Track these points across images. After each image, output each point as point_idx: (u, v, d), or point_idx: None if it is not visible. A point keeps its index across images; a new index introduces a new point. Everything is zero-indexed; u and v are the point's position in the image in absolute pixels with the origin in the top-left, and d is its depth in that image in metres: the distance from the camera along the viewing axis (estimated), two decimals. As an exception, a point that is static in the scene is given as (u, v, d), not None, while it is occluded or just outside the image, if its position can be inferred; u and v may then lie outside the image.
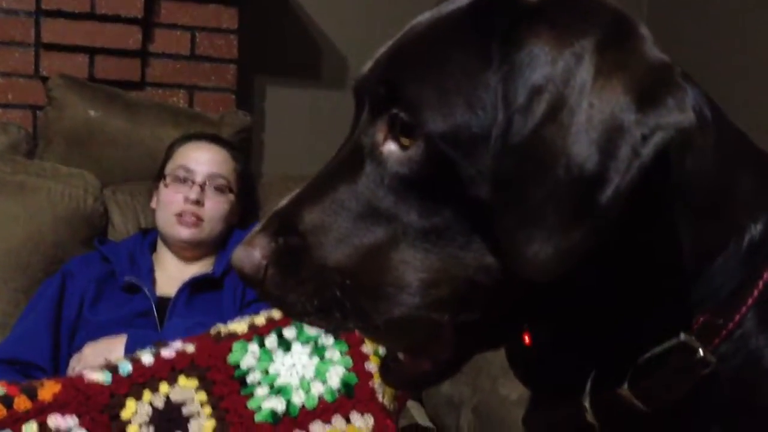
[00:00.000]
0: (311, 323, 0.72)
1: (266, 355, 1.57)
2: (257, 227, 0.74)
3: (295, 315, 0.72)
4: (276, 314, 1.65)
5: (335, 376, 1.53)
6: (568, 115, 0.63)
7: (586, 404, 0.73)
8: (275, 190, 2.39)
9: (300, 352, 1.57)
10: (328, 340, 1.59)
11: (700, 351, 0.70)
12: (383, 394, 1.55)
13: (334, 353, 1.56)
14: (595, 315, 0.72)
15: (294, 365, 1.55)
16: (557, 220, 0.63)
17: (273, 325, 1.61)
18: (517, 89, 0.64)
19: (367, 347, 1.59)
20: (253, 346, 1.57)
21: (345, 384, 1.53)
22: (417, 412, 2.07)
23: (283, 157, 2.81)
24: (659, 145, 0.63)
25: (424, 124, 0.68)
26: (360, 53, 2.84)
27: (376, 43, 2.70)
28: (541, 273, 0.64)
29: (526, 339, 0.77)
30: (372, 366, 1.57)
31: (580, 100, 0.63)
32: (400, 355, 0.78)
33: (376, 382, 1.55)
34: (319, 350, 1.57)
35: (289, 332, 1.60)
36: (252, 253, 0.71)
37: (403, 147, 0.70)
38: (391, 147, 0.71)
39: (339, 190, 0.72)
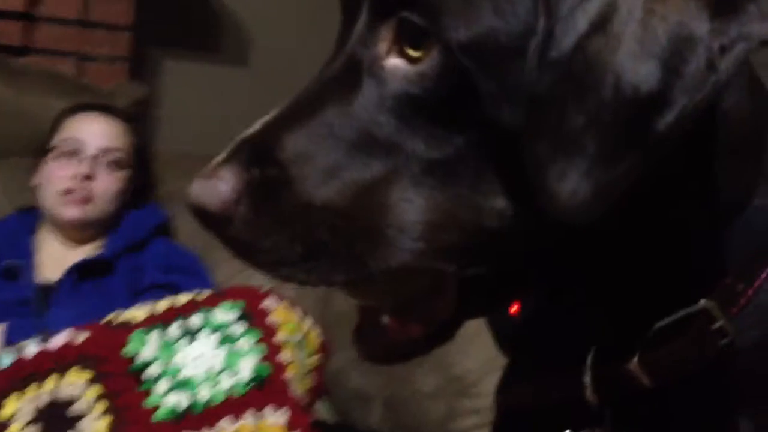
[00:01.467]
0: (290, 275, 0.59)
1: (168, 345, 1.42)
2: (221, 156, 0.60)
3: (270, 265, 0.59)
4: (180, 300, 1.50)
5: (246, 367, 1.41)
6: (620, 25, 0.54)
7: (587, 380, 0.64)
8: (172, 169, 2.23)
9: (207, 342, 1.43)
10: (238, 328, 1.45)
11: (720, 320, 0.62)
12: (298, 387, 1.43)
13: (245, 342, 1.43)
14: (608, 274, 0.63)
15: (200, 356, 1.41)
16: (600, 149, 0.54)
17: (176, 312, 1.47)
18: None
19: (281, 336, 1.47)
20: (154, 336, 1.43)
21: (257, 376, 1.40)
22: (322, 407, 1.97)
23: (178, 135, 2.64)
24: (740, 60, 0.54)
25: (443, 31, 0.56)
26: (264, 29, 2.71)
27: (282, 19, 2.58)
28: (577, 213, 0.55)
29: (514, 308, 0.66)
30: (286, 357, 1.45)
31: (635, 7, 0.54)
32: (384, 320, 0.65)
33: (291, 373, 1.43)
34: (228, 339, 1.44)
35: (194, 320, 1.46)
36: (217, 185, 0.58)
37: (411, 60, 0.58)
38: (396, 61, 0.59)
39: (328, 112, 0.59)
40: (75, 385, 1.35)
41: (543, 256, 0.61)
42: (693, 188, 0.62)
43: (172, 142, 2.61)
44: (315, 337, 1.56)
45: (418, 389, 1.71)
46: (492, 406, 0.79)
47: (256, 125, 0.61)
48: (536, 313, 0.67)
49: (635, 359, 0.63)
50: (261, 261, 0.59)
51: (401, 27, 0.59)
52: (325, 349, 1.58)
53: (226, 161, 0.60)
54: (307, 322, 1.57)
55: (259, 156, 0.59)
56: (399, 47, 0.59)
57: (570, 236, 0.59)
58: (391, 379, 1.79)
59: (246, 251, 0.59)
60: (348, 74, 0.61)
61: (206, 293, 1.55)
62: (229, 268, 2.14)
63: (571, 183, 0.54)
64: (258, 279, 2.09)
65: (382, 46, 0.60)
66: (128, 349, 1.40)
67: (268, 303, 1.52)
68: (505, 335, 0.72)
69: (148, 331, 1.43)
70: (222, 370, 1.40)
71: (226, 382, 1.39)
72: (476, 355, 1.64)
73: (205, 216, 0.59)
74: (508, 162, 0.57)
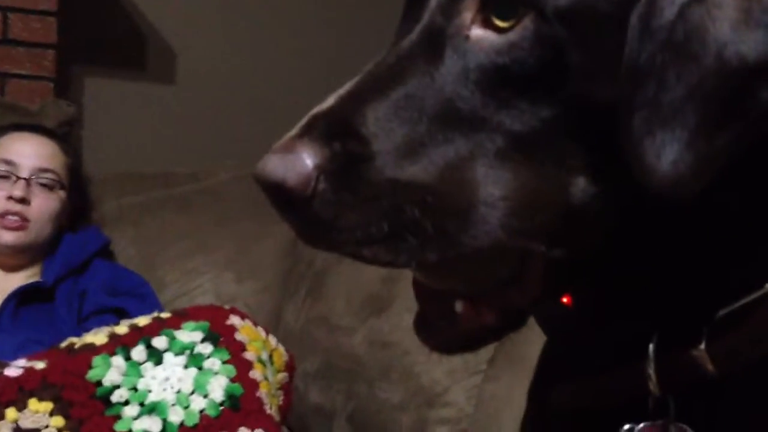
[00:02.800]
0: (375, 255, 0.56)
1: (134, 368, 1.37)
2: (294, 131, 0.57)
3: (352, 244, 0.56)
4: (141, 321, 1.45)
5: (218, 387, 1.36)
6: None
7: (651, 371, 0.62)
8: (110, 189, 2.16)
9: (174, 363, 1.38)
10: (205, 348, 1.41)
11: None
12: (270, 405, 1.39)
13: (214, 362, 1.39)
14: (679, 256, 0.61)
15: (168, 379, 1.36)
16: (701, 120, 0.53)
17: (139, 335, 1.42)
18: None
19: (250, 353, 1.43)
20: (117, 360, 1.37)
21: (229, 396, 1.36)
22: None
23: (104, 154, 2.56)
24: None
25: None
26: (189, 46, 2.65)
27: (207, 35, 2.53)
28: (677, 187, 0.53)
29: (565, 299, 0.65)
30: (257, 374, 1.41)
31: None
32: (458, 306, 0.62)
33: (263, 392, 1.39)
34: (195, 360, 1.40)
35: (159, 341, 1.41)
36: (298, 159, 0.55)
37: (498, 30, 0.56)
38: (481, 31, 0.57)
39: (409, 84, 0.57)
40: (38, 414, 1.28)
41: (622, 237, 0.59)
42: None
43: (97, 163, 2.52)
44: (281, 354, 1.53)
45: (384, 402, 1.68)
46: (528, 412, 0.77)
47: (329, 99, 0.58)
48: (592, 301, 0.64)
49: (701, 346, 0.61)
50: (343, 240, 0.56)
51: None
52: (291, 366, 1.55)
53: (302, 135, 0.56)
54: (272, 339, 1.53)
55: (338, 130, 0.56)
56: (484, 17, 0.57)
57: (654, 215, 0.58)
58: (353, 393, 1.76)
59: (326, 231, 0.56)
60: (428, 45, 0.58)
61: (167, 314, 1.50)
62: (174, 290, 2.08)
63: (671, 155, 0.53)
64: (205, 299, 2.06)
65: (466, 15, 0.58)
66: (93, 373, 1.34)
67: (233, 320, 1.48)
68: (554, 327, 0.70)
69: (111, 355, 1.37)
70: (192, 392, 1.36)
71: (197, 404, 1.35)
72: (443, 364, 1.62)
73: (281, 193, 0.55)
74: (595, 137, 0.56)
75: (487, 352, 1.59)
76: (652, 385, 0.62)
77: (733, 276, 0.61)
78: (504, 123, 0.56)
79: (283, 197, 0.55)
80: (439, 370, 1.64)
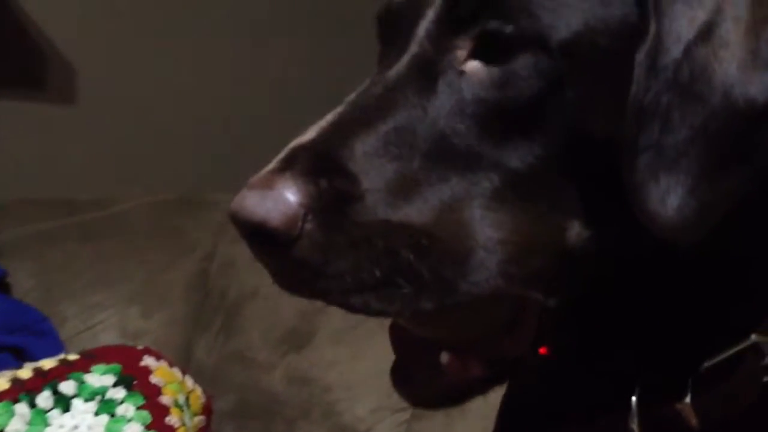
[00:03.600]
0: (365, 304, 0.51)
1: (39, 416, 1.27)
2: (273, 165, 0.52)
3: (341, 291, 0.51)
4: (47, 365, 1.35)
5: (132, 436, 1.27)
6: (727, 33, 0.51)
7: (634, 426, 0.59)
8: (7, 217, 2.03)
9: (83, 411, 1.29)
10: (117, 393, 1.32)
11: None
12: (188, 453, 1.31)
13: (127, 408, 1.31)
14: (674, 304, 0.59)
15: (77, 427, 1.27)
16: (706, 164, 0.51)
17: (44, 379, 1.32)
18: None
19: (166, 397, 1.34)
20: (21, 407, 1.28)
21: (145, 445, 1.27)
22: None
23: (1, 180, 2.41)
24: None
25: (542, 31, 0.52)
26: (91, 63, 2.54)
27: (110, 51, 2.41)
28: (682, 232, 0.51)
29: (543, 350, 0.61)
30: (174, 420, 1.33)
31: (741, 14, 0.52)
32: (444, 358, 0.58)
33: (181, 439, 1.31)
34: (107, 406, 1.31)
35: (66, 386, 1.31)
36: (282, 196, 0.50)
37: (497, 63, 0.53)
38: (477, 64, 0.54)
39: (399, 117, 0.53)
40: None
41: (612, 285, 0.57)
42: (764, 213, 0.59)
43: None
44: (198, 397, 1.45)
45: (304, 442, 1.63)
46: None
47: (310, 131, 0.54)
48: (574, 353, 0.61)
49: (686, 399, 0.59)
50: (330, 288, 0.51)
51: (484, 36, 0.54)
52: (209, 408, 1.47)
53: (282, 170, 0.52)
54: (189, 381, 1.45)
55: (324, 165, 0.52)
56: (481, 51, 0.54)
57: (647, 261, 0.56)
58: (271, 429, 1.69)
59: (313, 276, 0.51)
60: (418, 77, 0.55)
61: (75, 356, 1.40)
62: (75, 325, 1.97)
63: (675, 201, 0.51)
64: (109, 334, 1.96)
65: (461, 51, 0.55)
66: (-7, 424, 1.23)
67: (147, 361, 1.39)
68: (530, 379, 0.66)
69: (15, 402, 1.27)
70: (104, 441, 1.26)
71: (110, 455, 1.25)
72: (366, 402, 1.58)
73: (262, 234, 0.51)
74: (590, 177, 0.54)
75: (412, 388, 1.55)
76: None
77: (719, 326, 0.60)
78: (500, 160, 0.53)
79: (263, 239, 0.51)
80: (362, 407, 1.59)
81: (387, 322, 1.73)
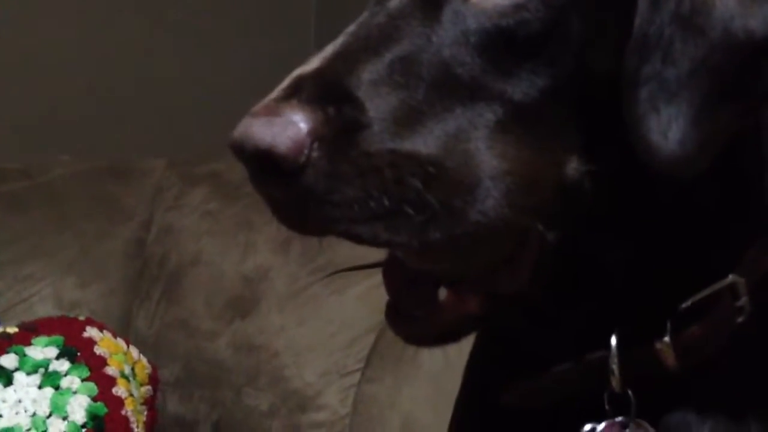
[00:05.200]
0: (373, 233, 0.51)
1: (-20, 392, 1.22)
2: (276, 93, 0.51)
3: (348, 220, 0.51)
4: (-15, 339, 1.30)
5: (78, 408, 1.25)
6: None
7: (614, 365, 0.60)
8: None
9: (26, 384, 1.26)
10: (61, 365, 1.29)
11: (743, 298, 0.60)
12: (137, 422, 1.29)
13: (72, 381, 1.28)
14: (657, 242, 0.60)
15: (20, 401, 1.24)
16: (706, 96, 0.52)
17: (-16, 354, 1.27)
18: None
19: (113, 368, 1.32)
20: (-39, 383, 1.22)
21: (92, 416, 1.25)
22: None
23: None
24: None
25: None
26: (10, 24, 2.45)
27: (28, 11, 2.30)
28: (684, 165, 0.52)
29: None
30: (121, 390, 1.31)
31: None
32: (441, 294, 0.58)
33: (129, 409, 1.29)
34: (51, 378, 1.28)
35: (7, 360, 1.28)
36: (290, 123, 0.49)
37: None
38: None
39: (404, 46, 0.53)
40: None
41: (602, 221, 0.58)
42: (747, 151, 0.60)
43: None
44: (144, 367, 1.43)
45: (252, 409, 1.61)
46: (461, 420, 0.73)
47: (313, 60, 0.52)
48: (555, 292, 0.61)
49: (665, 339, 0.60)
50: (337, 217, 0.51)
51: None
52: (155, 378, 1.45)
53: (288, 97, 0.50)
54: (134, 351, 1.43)
55: (331, 92, 0.51)
56: None
57: (638, 198, 0.57)
58: (217, 401, 1.67)
59: (319, 205, 0.50)
60: (422, 5, 0.54)
61: (14, 328, 1.36)
62: (9, 297, 1.91)
63: (677, 133, 0.52)
64: (45, 306, 1.91)
65: None
66: (-68, 401, 1.19)
67: (90, 332, 1.36)
68: (510, 320, 0.66)
69: (-46, 379, 1.22)
70: (50, 415, 1.24)
71: (56, 428, 1.23)
72: (314, 367, 1.57)
73: (268, 161, 0.49)
74: (590, 112, 0.54)
75: (358, 351, 1.55)
76: (615, 381, 0.60)
77: (698, 267, 0.61)
78: (504, 92, 0.53)
79: (269, 166, 0.49)
80: (310, 372, 1.58)
81: (332, 286, 1.72)
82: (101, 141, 2.40)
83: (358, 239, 0.52)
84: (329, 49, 0.54)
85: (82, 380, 1.28)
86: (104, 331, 1.39)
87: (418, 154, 0.51)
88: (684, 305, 0.60)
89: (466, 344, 1.38)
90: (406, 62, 0.53)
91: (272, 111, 0.50)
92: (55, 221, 2.01)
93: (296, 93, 0.51)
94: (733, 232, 0.61)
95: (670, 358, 0.60)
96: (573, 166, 0.55)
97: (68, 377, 1.28)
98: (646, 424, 0.61)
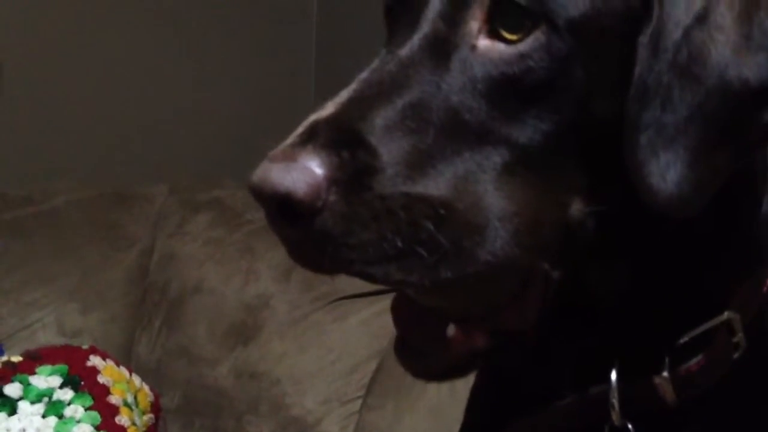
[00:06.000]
0: (386, 274, 0.53)
1: (-16, 421, 1.23)
2: (293, 138, 0.53)
3: (362, 262, 0.52)
4: (-11, 368, 1.31)
5: (82, 437, 1.25)
6: (721, 17, 0.55)
7: (614, 399, 0.61)
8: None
9: (30, 413, 1.27)
10: (65, 394, 1.29)
11: (739, 333, 0.62)
12: (140, 452, 1.30)
13: (76, 409, 1.28)
14: (654, 279, 0.61)
15: (24, 430, 1.24)
16: (703, 140, 0.54)
17: (-12, 383, 1.28)
18: None
19: (115, 397, 1.33)
20: (-35, 412, 1.23)
21: (95, 446, 1.25)
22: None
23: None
24: None
25: (552, 9, 0.54)
26: (17, 53, 2.47)
27: (36, 41, 2.32)
28: (682, 206, 0.54)
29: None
30: (124, 419, 1.31)
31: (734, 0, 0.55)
32: (450, 330, 0.59)
33: (132, 438, 1.29)
34: (55, 407, 1.28)
35: (11, 389, 1.29)
36: (306, 168, 0.51)
37: (508, 41, 0.55)
38: (488, 42, 0.56)
39: (415, 93, 0.55)
40: None
41: (604, 259, 0.59)
42: (745, 187, 0.62)
43: None
44: (146, 395, 1.43)
45: (253, 436, 1.62)
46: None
47: (328, 106, 0.55)
48: (557, 328, 0.62)
49: (664, 374, 0.61)
50: (352, 258, 0.52)
51: (496, 6, 0.55)
52: (157, 406, 1.45)
53: (304, 143, 0.52)
54: (137, 379, 1.43)
55: (345, 138, 0.53)
56: (490, 27, 0.56)
57: (639, 236, 0.58)
58: (219, 428, 1.68)
59: (335, 248, 0.52)
60: (432, 54, 0.56)
61: (18, 357, 1.37)
62: (11, 324, 1.92)
63: (674, 176, 0.54)
64: (47, 333, 1.91)
65: (473, 25, 0.56)
66: (-64, 431, 1.20)
67: (94, 361, 1.37)
68: (511, 356, 0.67)
69: (-42, 408, 1.23)
70: (53, 444, 1.24)
71: (60, 457, 1.23)
72: (315, 394, 1.58)
73: (287, 206, 0.51)
74: (592, 155, 0.56)
75: (359, 378, 1.56)
76: (615, 414, 0.62)
77: (695, 302, 0.62)
78: (510, 136, 0.55)
79: (287, 211, 0.51)
80: (311, 399, 1.59)
81: (333, 313, 1.73)
82: (103, 167, 2.42)
83: (372, 279, 0.54)
84: (343, 95, 0.55)
85: (86, 409, 1.29)
86: (107, 360, 1.40)
87: (429, 196, 0.53)
88: (682, 340, 0.61)
89: (470, 376, 1.39)
90: (417, 108, 0.55)
91: (289, 156, 0.52)
92: (58, 248, 2.02)
93: (312, 138, 0.53)
94: (728, 267, 0.63)
95: (668, 393, 0.61)
96: (576, 207, 0.57)
97: (72, 406, 1.28)
98: None
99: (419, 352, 0.61)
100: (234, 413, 1.67)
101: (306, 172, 0.51)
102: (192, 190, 2.05)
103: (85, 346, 1.43)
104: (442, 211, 0.53)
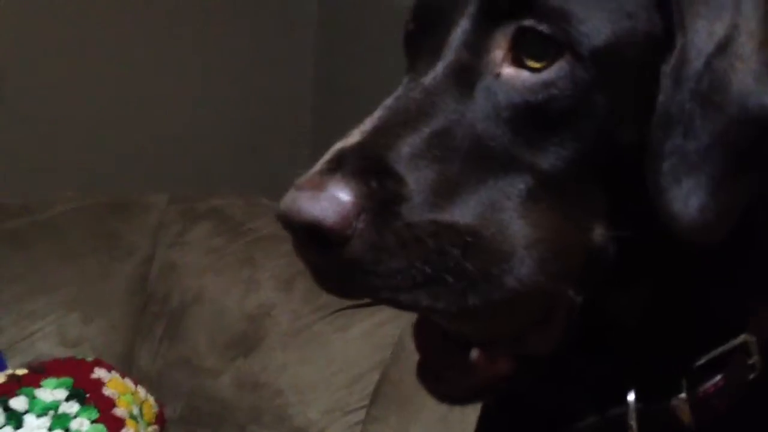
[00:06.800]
0: (414, 301, 0.53)
1: (-9, 435, 1.23)
2: (319, 166, 0.54)
3: (390, 289, 0.53)
4: (-5, 381, 1.31)
5: (88, 450, 1.25)
6: (743, 47, 0.55)
7: (632, 422, 0.62)
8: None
9: (36, 426, 1.27)
10: (71, 407, 1.30)
11: (755, 356, 0.62)
12: (146, 464, 1.30)
13: (82, 423, 1.28)
14: (673, 301, 0.62)
15: (31, 444, 1.24)
16: (724, 167, 0.55)
17: (-7, 396, 1.28)
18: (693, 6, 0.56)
19: (121, 409, 1.33)
20: (-29, 426, 1.23)
21: (102, 459, 1.25)
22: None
23: None
24: None
25: (576, 37, 0.55)
26: (17, 62, 2.47)
27: (37, 51, 2.31)
28: (704, 232, 0.55)
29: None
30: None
31: (755, 30, 0.55)
32: (473, 354, 0.60)
33: (138, 451, 1.30)
34: (61, 420, 1.28)
35: (17, 402, 1.29)
36: (335, 197, 0.52)
37: (532, 70, 0.56)
38: (513, 70, 0.57)
39: (440, 121, 0.55)
40: None
41: (625, 283, 0.60)
42: (764, 208, 0.63)
43: None
44: (151, 406, 1.44)
45: (256, 447, 1.62)
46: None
47: (354, 134, 0.55)
48: (569, 353, 0.62)
49: (681, 396, 0.62)
50: (381, 286, 0.53)
51: (521, 35, 0.56)
52: (162, 418, 1.46)
53: (332, 171, 0.53)
54: (142, 391, 1.44)
55: (372, 166, 0.54)
56: (514, 55, 0.57)
57: (660, 259, 0.59)
58: (221, 439, 1.68)
59: (364, 276, 0.53)
60: (456, 82, 0.57)
61: (23, 370, 1.37)
62: (12, 334, 1.91)
63: (696, 202, 0.54)
64: (48, 342, 1.91)
65: (497, 54, 0.57)
66: (-57, 445, 1.20)
67: (99, 373, 1.37)
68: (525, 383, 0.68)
69: (-36, 422, 1.23)
70: (60, 457, 1.24)
71: (66, 471, 1.23)
72: (317, 404, 1.58)
73: (316, 234, 0.51)
74: (614, 181, 0.57)
75: (362, 389, 1.57)
76: None
77: (714, 323, 0.63)
78: (533, 163, 0.56)
79: (316, 239, 0.52)
80: (314, 410, 1.60)
81: (336, 324, 1.73)
82: (102, 177, 2.41)
83: (399, 305, 0.54)
84: (368, 123, 0.56)
85: (92, 422, 1.29)
86: (112, 372, 1.40)
87: (456, 224, 0.54)
88: (699, 363, 0.62)
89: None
90: (442, 137, 0.55)
91: (318, 185, 0.52)
92: (57, 257, 2.02)
93: (339, 167, 0.53)
94: (745, 286, 0.64)
95: (686, 415, 0.62)
96: (599, 232, 0.58)
97: (78, 419, 1.29)
98: None
99: (442, 376, 0.62)
100: (237, 424, 1.67)
101: (335, 201, 0.52)
102: (191, 200, 2.05)
103: (89, 359, 1.43)
104: (470, 239, 0.54)
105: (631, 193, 0.57)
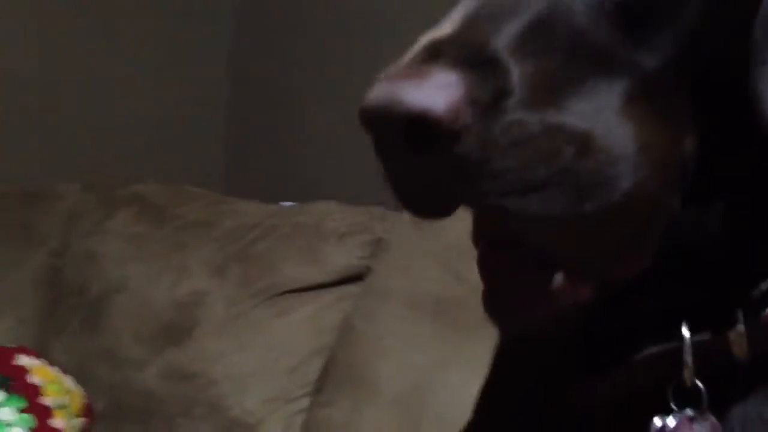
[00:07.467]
0: (524, 207, 0.48)
1: None
2: (412, 55, 0.47)
3: (500, 194, 0.47)
4: None
5: (16, 441, 1.14)
6: None
7: (688, 357, 0.58)
8: None
9: (-43, 418, 1.14)
10: (-4, 395, 1.18)
11: None
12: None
13: (9, 412, 1.17)
14: (744, 225, 0.59)
15: (-49, 436, 1.12)
16: None
17: None
18: None
19: (49, 398, 1.22)
20: None
21: (31, 450, 1.15)
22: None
23: None
24: None
25: None
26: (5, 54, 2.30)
27: (24, 44, 2.16)
28: None
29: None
30: (59, 422, 1.21)
31: None
32: (557, 279, 0.54)
33: (69, 442, 1.20)
34: (-15, 411, 1.16)
35: (-63, 392, 1.16)
36: (445, 85, 0.45)
37: None
38: None
39: (538, 11, 0.50)
40: None
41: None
42: None
43: None
44: (79, 396, 1.33)
45: (188, 439, 1.53)
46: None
47: (446, 26, 0.49)
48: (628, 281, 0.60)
49: (738, 328, 0.58)
50: (488, 189, 0.47)
51: None
52: (90, 410, 1.35)
53: (432, 59, 0.47)
54: (69, 380, 1.33)
55: (475, 56, 0.48)
56: None
57: (747, 174, 0.57)
58: (149, 429, 1.58)
59: (473, 176, 0.47)
60: None
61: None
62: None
63: None
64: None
65: None
66: None
67: (22, 360, 1.26)
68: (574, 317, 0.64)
69: None
70: (-16, 450, 1.13)
71: (-8, 463, 1.12)
72: (255, 394, 1.50)
73: (420, 127, 0.45)
74: (706, 86, 0.54)
75: (304, 375, 1.50)
76: (687, 373, 0.58)
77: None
78: (631, 62, 0.52)
79: (420, 132, 0.45)
80: (251, 399, 1.52)
81: (275, 309, 1.66)
82: (11, 167, 2.27)
83: (505, 213, 0.49)
84: (458, 15, 0.50)
85: (20, 411, 1.18)
86: (38, 359, 1.29)
87: (566, 123, 0.50)
88: (755, 293, 0.59)
89: (431, 365, 1.34)
90: (541, 28, 0.51)
91: (419, 73, 0.47)
92: (-41, 248, 1.88)
93: (438, 55, 0.48)
94: None
95: (741, 349, 0.59)
96: (689, 141, 0.55)
97: (5, 409, 1.17)
98: (713, 418, 0.60)
99: (515, 306, 0.57)
100: (166, 417, 1.57)
101: (444, 88, 0.46)
102: (108, 187, 1.94)
103: (10, 345, 1.31)
104: (582, 139, 0.50)
105: (722, 101, 0.54)
